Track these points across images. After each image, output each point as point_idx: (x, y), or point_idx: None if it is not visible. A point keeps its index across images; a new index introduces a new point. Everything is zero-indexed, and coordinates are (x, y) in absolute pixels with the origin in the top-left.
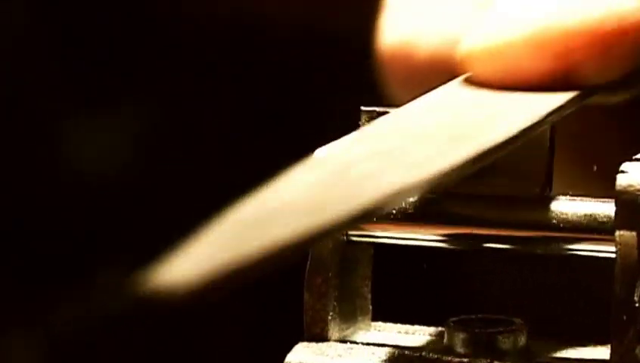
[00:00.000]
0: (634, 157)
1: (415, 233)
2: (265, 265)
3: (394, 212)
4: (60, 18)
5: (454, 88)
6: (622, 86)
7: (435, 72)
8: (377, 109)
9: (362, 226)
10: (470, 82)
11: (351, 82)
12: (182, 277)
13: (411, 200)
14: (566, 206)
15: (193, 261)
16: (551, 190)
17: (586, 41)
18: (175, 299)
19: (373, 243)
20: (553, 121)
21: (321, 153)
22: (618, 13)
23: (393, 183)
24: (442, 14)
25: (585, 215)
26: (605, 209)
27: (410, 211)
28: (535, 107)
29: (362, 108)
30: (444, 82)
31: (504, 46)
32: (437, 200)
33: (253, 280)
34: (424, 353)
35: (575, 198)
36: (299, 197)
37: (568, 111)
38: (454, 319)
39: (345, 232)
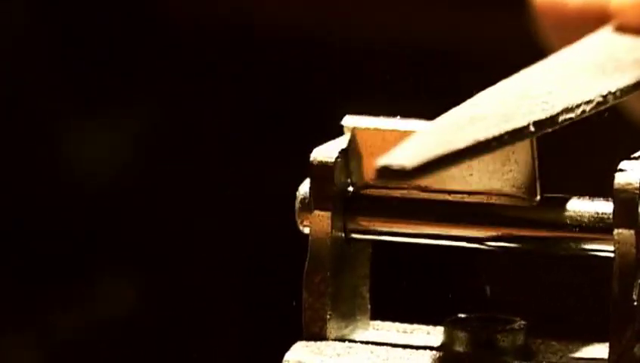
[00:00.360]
0: (632, 156)
1: (414, 232)
2: (472, 155)
3: (391, 212)
4: (60, 18)
5: (604, 36)
6: None
7: (586, 23)
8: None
9: (362, 224)
10: (619, 29)
11: (351, 83)
12: (407, 159)
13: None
14: (565, 205)
15: (415, 149)
16: (542, 189)
17: None
18: (401, 174)
19: (371, 241)
20: None
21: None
22: None
23: (565, 102)
24: None
25: (584, 214)
26: (603, 207)
27: (409, 210)
28: None
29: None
30: (594, 31)
31: None
32: (437, 198)
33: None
34: (422, 352)
35: (573, 197)
36: (493, 109)
37: None
38: (452, 318)
39: (344, 232)
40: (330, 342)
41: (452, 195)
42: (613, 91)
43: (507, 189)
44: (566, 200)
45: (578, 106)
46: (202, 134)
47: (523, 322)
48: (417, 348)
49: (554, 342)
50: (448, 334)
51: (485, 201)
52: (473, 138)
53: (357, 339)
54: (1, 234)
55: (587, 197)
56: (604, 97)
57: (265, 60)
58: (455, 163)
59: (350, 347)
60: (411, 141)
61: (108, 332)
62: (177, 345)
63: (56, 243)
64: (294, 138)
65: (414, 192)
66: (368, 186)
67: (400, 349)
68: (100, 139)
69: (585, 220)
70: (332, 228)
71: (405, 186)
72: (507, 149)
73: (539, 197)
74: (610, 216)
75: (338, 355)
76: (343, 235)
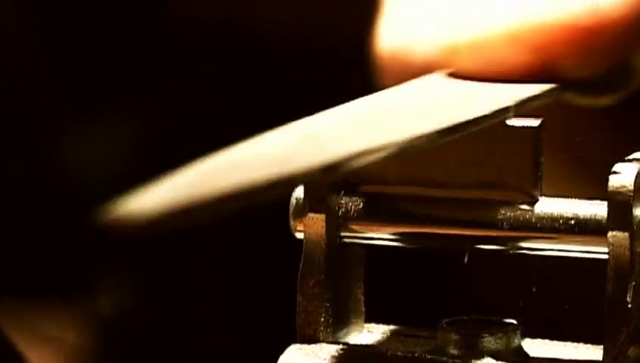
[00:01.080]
0: (626, 158)
1: (408, 235)
2: (226, 205)
3: (386, 215)
4: (59, 18)
5: (435, 79)
6: (607, 87)
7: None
8: None
9: (356, 227)
10: (453, 75)
11: (350, 83)
12: (145, 208)
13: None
14: (559, 207)
15: (158, 195)
16: (542, 191)
17: (564, 35)
18: (135, 226)
19: (366, 244)
20: (527, 107)
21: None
22: (597, 9)
23: (360, 145)
24: (439, 18)
25: (578, 216)
26: (598, 210)
27: (404, 213)
28: (508, 94)
29: None
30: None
31: (484, 40)
32: (432, 201)
33: (210, 220)
34: (416, 355)
35: (567, 199)
36: (269, 150)
37: (543, 102)
38: (447, 320)
39: (338, 234)
40: (325, 345)
41: (450, 190)
42: (417, 136)
43: (507, 184)
44: (561, 201)
45: (371, 151)
46: (202, 135)
47: (517, 324)
48: (412, 351)
49: (548, 345)
50: (442, 337)
51: (482, 197)
52: (232, 184)
53: (351, 342)
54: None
55: (581, 199)
56: (406, 143)
57: (265, 61)
58: (207, 214)
59: (344, 350)
60: (164, 184)
61: (106, 333)
62: (171, 347)
63: (55, 243)
64: None
65: (410, 192)
66: (365, 182)
67: (394, 352)
68: (99, 140)
69: (580, 222)
70: (326, 230)
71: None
72: (509, 141)
73: (539, 196)
74: (605, 218)
75: (332, 357)
76: (338, 238)
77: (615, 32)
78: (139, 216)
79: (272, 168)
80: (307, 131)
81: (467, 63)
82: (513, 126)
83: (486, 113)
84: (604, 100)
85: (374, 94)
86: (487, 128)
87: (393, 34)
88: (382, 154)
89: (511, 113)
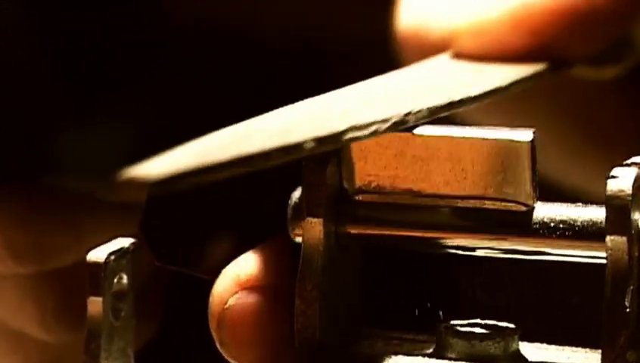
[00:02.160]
0: (624, 162)
1: (407, 239)
2: (233, 170)
3: (384, 219)
4: (59, 18)
5: (439, 61)
6: (609, 60)
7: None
8: None
9: (354, 231)
10: (456, 55)
11: (349, 83)
12: (155, 170)
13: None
14: (558, 212)
15: (171, 160)
16: (536, 199)
17: (560, 18)
18: (145, 185)
19: (363, 249)
20: (522, 88)
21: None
22: None
23: (364, 117)
24: None
25: (577, 221)
26: (596, 214)
27: (401, 216)
28: (507, 74)
29: None
30: None
31: (485, 23)
32: (429, 207)
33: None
34: (414, 359)
35: (565, 204)
36: (272, 123)
37: (542, 80)
38: (445, 325)
39: (337, 237)
40: (322, 349)
41: (446, 200)
42: (415, 111)
43: (502, 194)
44: (560, 206)
45: (369, 125)
46: (201, 136)
47: (515, 329)
48: (410, 355)
49: (546, 349)
50: (440, 341)
51: (478, 206)
52: (237, 152)
53: (349, 346)
54: None
55: (580, 204)
56: (404, 116)
57: (265, 61)
58: (213, 177)
59: (342, 354)
60: (173, 152)
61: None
62: (169, 348)
63: None
64: None
65: (407, 198)
66: (360, 191)
67: (392, 356)
68: (98, 140)
69: (578, 226)
70: (324, 234)
71: (398, 191)
72: (503, 154)
73: (534, 204)
74: (603, 223)
75: (330, 361)
76: (335, 242)
77: (608, 12)
78: (149, 177)
79: (277, 138)
80: (312, 108)
81: (468, 46)
82: (505, 136)
83: (477, 93)
84: (608, 73)
85: (380, 76)
86: (481, 139)
87: (411, 13)
88: (380, 128)
89: (506, 92)
